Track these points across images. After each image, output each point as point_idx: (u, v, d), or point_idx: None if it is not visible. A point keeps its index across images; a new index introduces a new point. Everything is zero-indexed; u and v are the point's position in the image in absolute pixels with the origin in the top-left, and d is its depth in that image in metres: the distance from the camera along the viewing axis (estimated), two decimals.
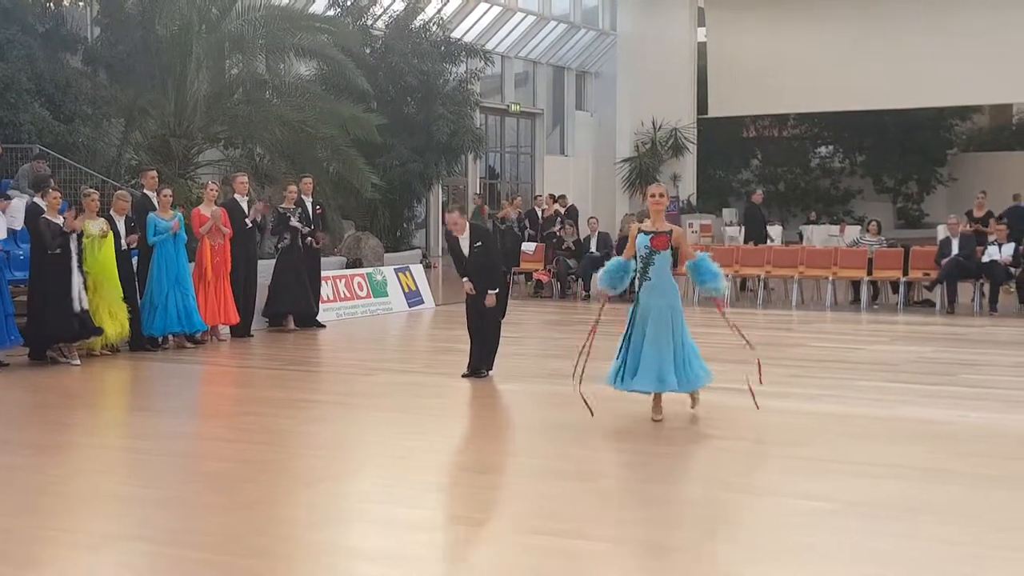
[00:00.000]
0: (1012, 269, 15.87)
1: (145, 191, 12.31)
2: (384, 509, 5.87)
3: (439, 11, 25.79)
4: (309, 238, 13.58)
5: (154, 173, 12.63)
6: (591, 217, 20.30)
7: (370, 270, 16.59)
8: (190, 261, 12.16)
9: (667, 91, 33.17)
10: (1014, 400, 9.02)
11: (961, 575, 4.82)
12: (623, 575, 4.84)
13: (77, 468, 6.97)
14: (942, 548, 5.16)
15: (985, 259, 15.99)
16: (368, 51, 22.47)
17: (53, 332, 10.69)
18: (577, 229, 19.69)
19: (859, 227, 23.49)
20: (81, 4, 18.83)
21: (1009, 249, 16.04)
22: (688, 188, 33.83)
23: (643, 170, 33.76)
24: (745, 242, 19.88)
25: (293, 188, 13.60)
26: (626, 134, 34.21)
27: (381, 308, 15.94)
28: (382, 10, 24.77)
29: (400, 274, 16.86)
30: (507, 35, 31.73)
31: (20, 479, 6.56)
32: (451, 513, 5.83)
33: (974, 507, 5.86)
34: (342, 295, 15.35)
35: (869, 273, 16.96)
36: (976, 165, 36.86)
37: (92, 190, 11.69)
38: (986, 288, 15.99)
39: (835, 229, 29.51)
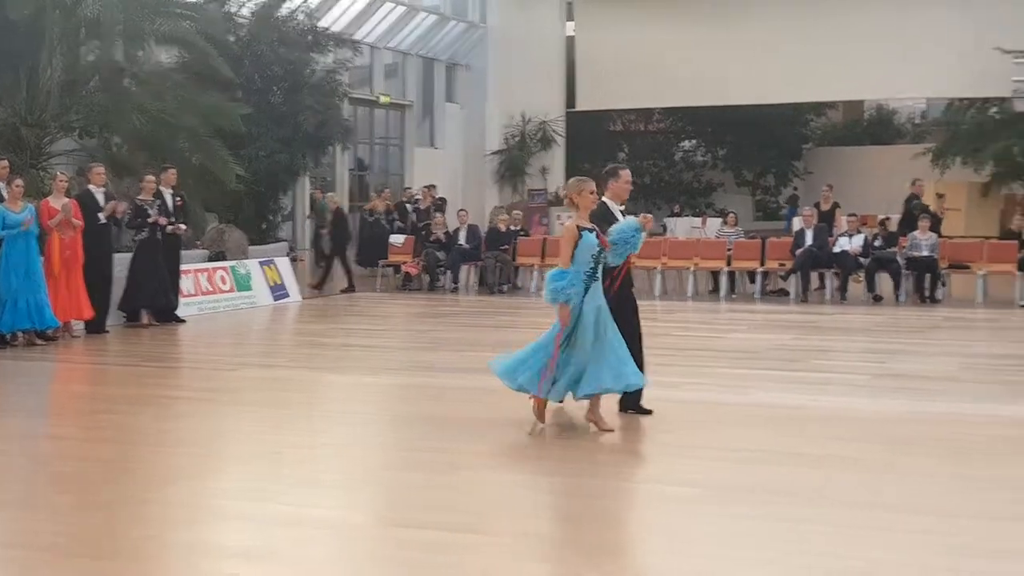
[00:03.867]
0: (861, 259, 16.55)
1: None
2: (249, 506, 5.78)
3: (306, 0, 25.41)
4: (171, 227, 13.22)
5: (5, 163, 12.11)
6: (461, 209, 20.33)
7: (233, 263, 16.26)
8: (40, 255, 11.69)
9: (536, 84, 33.43)
10: (861, 385, 9.39)
11: (815, 552, 4.99)
12: (492, 565, 4.86)
13: None
14: (799, 528, 5.34)
15: (836, 249, 16.65)
16: (233, 39, 21.96)
17: None
18: (446, 221, 19.69)
19: (720, 219, 24.09)
20: None
21: (859, 240, 16.73)
22: (556, 181, 34.14)
23: (513, 163, 33.96)
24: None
25: (151, 179, 13.22)
26: (496, 127, 34.33)
27: (245, 302, 15.66)
28: None
29: (265, 267, 16.57)
30: (376, 25, 31.45)
31: None
32: (318, 508, 5.75)
33: (822, 488, 6.08)
34: (204, 289, 15.00)
35: (728, 264, 17.45)
36: (830, 159, 38.26)
37: None
38: (837, 277, 16.66)
39: (698, 221, 30.31)
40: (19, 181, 11.69)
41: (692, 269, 17.59)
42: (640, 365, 7.62)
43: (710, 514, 5.59)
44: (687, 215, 32.95)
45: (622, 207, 7.96)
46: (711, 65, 31.76)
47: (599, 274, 7.34)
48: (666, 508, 5.80)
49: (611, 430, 7.36)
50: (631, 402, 7.88)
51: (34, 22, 15.80)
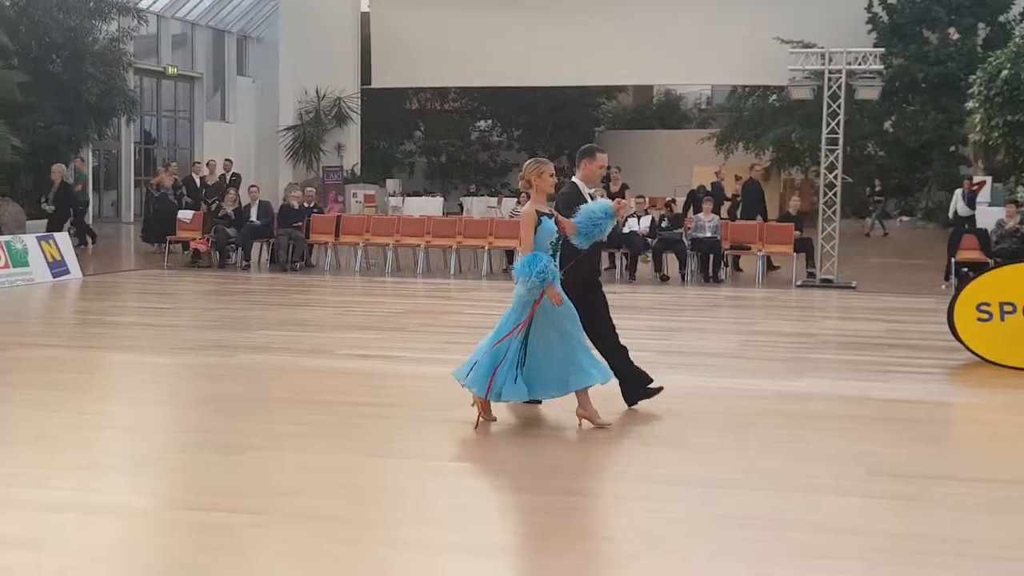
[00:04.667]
0: (649, 240, 17.14)
1: None
2: (21, 492, 5.57)
3: None
4: None
5: None
6: (252, 185, 19.97)
7: (9, 238, 15.47)
8: None
9: (331, 60, 33.07)
10: (646, 361, 9.37)
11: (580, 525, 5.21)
12: (274, 547, 4.89)
13: None
14: (562, 501, 5.55)
15: (625, 230, 17.15)
16: (8, 3, 20.84)
17: None
18: (239, 197, 19.30)
19: (516, 199, 24.55)
20: None
21: (647, 221, 17.32)
22: (352, 158, 33.92)
23: (307, 139, 33.55)
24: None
25: None
26: (290, 102, 33.81)
27: (22, 279, 14.94)
28: None
29: (43, 243, 15.83)
30: None
31: None
32: (96, 493, 5.60)
33: (588, 462, 6.34)
34: None
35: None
36: (621, 141, 39.39)
37: None
38: (626, 258, 17.20)
39: (494, 201, 30.73)
40: None
41: (487, 248, 17.85)
42: (616, 359, 7.34)
43: (475, 488, 5.70)
44: (483, 195, 33.34)
45: (592, 190, 7.49)
46: (506, 46, 32.24)
47: (557, 261, 6.91)
48: (437, 482, 5.93)
49: (607, 424, 6.98)
50: (631, 394, 7.50)
51: None
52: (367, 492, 5.78)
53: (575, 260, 7.12)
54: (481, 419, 7.00)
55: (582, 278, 7.28)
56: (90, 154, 27.53)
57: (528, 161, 7.23)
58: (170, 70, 31.48)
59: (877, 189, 29.56)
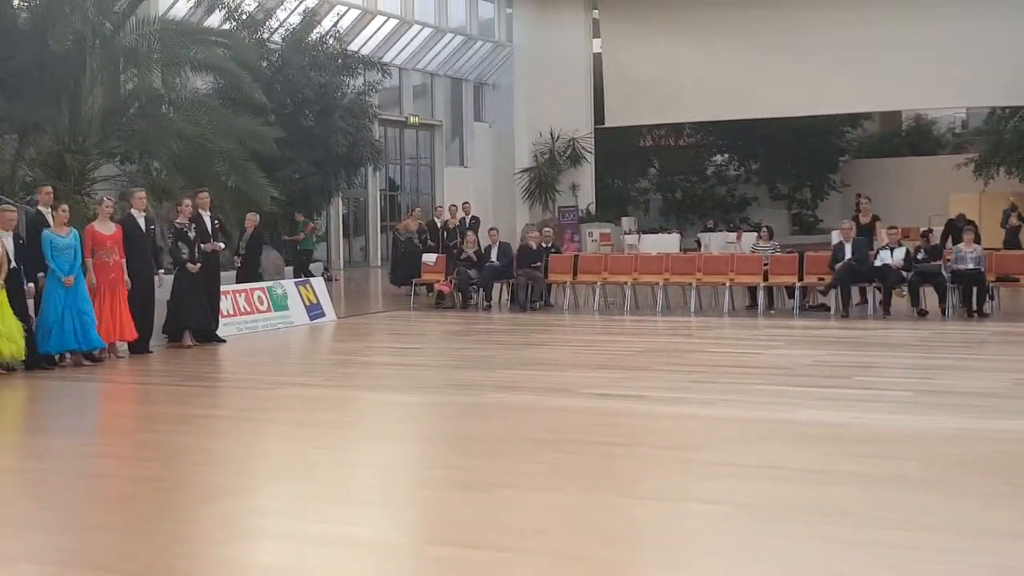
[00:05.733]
0: (904, 272, 16.21)
1: (39, 207, 12.04)
2: (287, 524, 5.83)
3: (336, 24, 25.73)
4: (209, 247, 13.40)
5: (49, 189, 12.37)
6: (491, 228, 20.43)
7: (271, 284, 16.45)
8: (85, 278, 11.90)
9: (564, 102, 33.56)
10: (905, 401, 9.19)
11: (850, 574, 4.94)
12: None
13: None
14: (837, 549, 5.25)
15: (878, 263, 16.34)
16: (265, 64, 22.32)
17: None
18: (478, 240, 19.80)
19: (756, 233, 24.13)
20: None
21: (901, 253, 16.34)
22: (587, 197, 34.22)
23: (542, 180, 34.09)
24: None
25: (188, 203, 13.43)
26: (525, 144, 34.49)
27: (282, 322, 15.83)
28: (278, 23, 24.63)
29: (301, 287, 16.75)
30: (404, 47, 31.78)
31: None
32: (355, 527, 5.80)
33: (866, 507, 5.97)
34: (242, 309, 15.19)
35: (765, 279, 17.26)
36: (868, 170, 38.05)
37: None
38: (880, 292, 16.36)
39: (732, 236, 30.23)
40: (64, 207, 11.92)
41: (728, 285, 17.51)
42: None
43: (739, 533, 5.53)
44: (721, 230, 32.88)
45: None
46: (741, 78, 31.71)
47: None
48: (693, 525, 5.78)
49: None
50: None
51: (75, 53, 16.15)
52: (617, 532, 5.71)
53: None
54: None
55: None
56: (340, 202, 29.00)
57: None
58: (412, 119, 32.77)
59: None
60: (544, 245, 18.97)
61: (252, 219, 18.50)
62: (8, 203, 12.48)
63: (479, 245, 19.36)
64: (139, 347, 12.59)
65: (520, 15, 35.22)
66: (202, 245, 13.35)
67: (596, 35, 34.95)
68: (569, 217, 32.66)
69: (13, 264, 11.10)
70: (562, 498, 6.29)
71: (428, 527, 5.94)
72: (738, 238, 28.86)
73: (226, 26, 22.59)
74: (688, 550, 5.37)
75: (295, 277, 19.08)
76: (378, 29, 29.97)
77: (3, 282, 10.86)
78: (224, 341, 13.81)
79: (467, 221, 22.36)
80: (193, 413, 9.30)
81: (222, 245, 14.13)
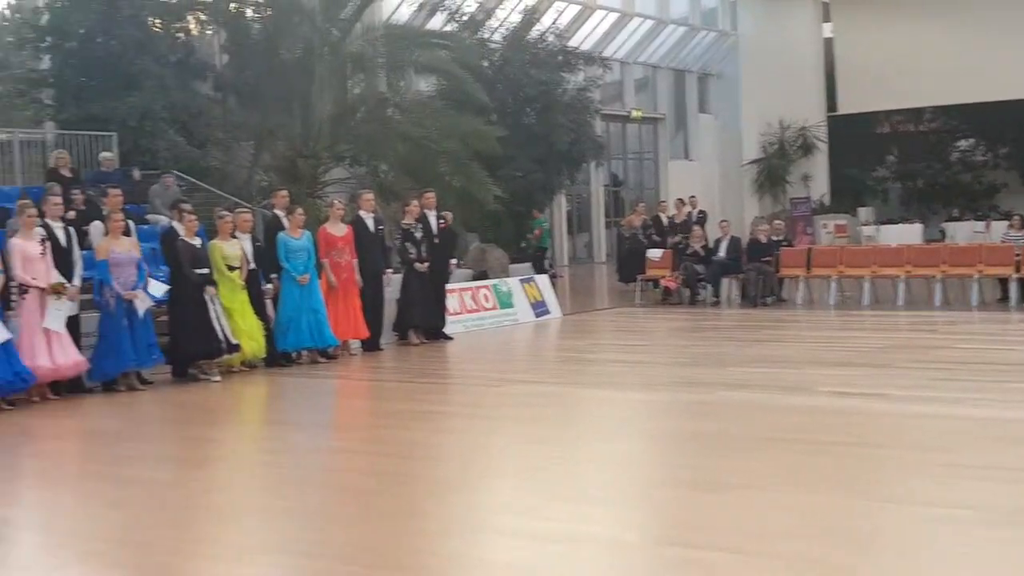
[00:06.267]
0: None
1: (275, 211, 12.52)
2: (516, 520, 5.80)
3: (555, 21, 25.81)
4: (420, 265, 13.45)
5: (285, 193, 12.84)
6: (722, 220, 19.91)
7: (495, 282, 16.59)
8: (319, 278, 12.31)
9: (793, 90, 32.56)
10: None
11: None
12: None
13: (217, 482, 7.09)
14: None
15: None
16: (486, 64, 22.59)
17: (194, 350, 10.97)
18: (706, 234, 19.35)
19: (1006, 222, 22.57)
20: (209, 33, 19.41)
21: None
22: (820, 188, 33.09)
23: (771, 171, 33.20)
24: None
25: (415, 203, 13.65)
26: (752, 135, 33.70)
27: (507, 319, 15.92)
28: (499, 23, 24.90)
29: (526, 285, 16.81)
30: (625, 41, 31.58)
31: (162, 493, 6.70)
32: (587, 525, 5.70)
33: None
34: (468, 307, 15.37)
35: (1018, 270, 16.08)
36: None
37: (225, 212, 11.98)
38: None
39: (981, 225, 28.42)
40: (300, 210, 12.36)
41: (976, 277, 16.43)
42: None
43: (982, 538, 5.15)
44: (968, 219, 31.00)
45: None
46: (987, 57, 29.85)
47: None
48: (938, 531, 5.37)
49: None
50: None
51: (305, 61, 16.83)
52: (858, 537, 5.34)
53: None
54: None
55: None
56: (563, 199, 29.09)
57: None
58: (634, 113, 32.54)
59: None
60: (775, 238, 18.36)
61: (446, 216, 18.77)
62: (245, 207, 13.04)
63: (706, 239, 18.93)
64: (371, 345, 12.93)
65: (746, 2, 34.40)
66: (420, 268, 13.38)
67: (826, 19, 33.71)
68: (801, 209, 31.62)
69: (252, 266, 11.58)
70: (799, 500, 6.00)
71: (660, 526, 5.78)
72: (987, 227, 27.11)
73: (448, 28, 23.00)
74: (932, 558, 5.00)
75: (535, 273, 19.08)
76: (598, 23, 29.90)
77: (243, 283, 11.35)
78: (451, 338, 14.00)
79: (693, 215, 21.94)
80: (423, 409, 9.42)
81: (427, 263, 13.84)
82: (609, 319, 17.04)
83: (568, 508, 6.02)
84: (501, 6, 25.58)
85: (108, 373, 10.45)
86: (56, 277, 9.97)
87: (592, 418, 9.15)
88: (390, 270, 13.45)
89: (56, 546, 5.76)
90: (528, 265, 21.05)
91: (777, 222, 19.75)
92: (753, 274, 17.53)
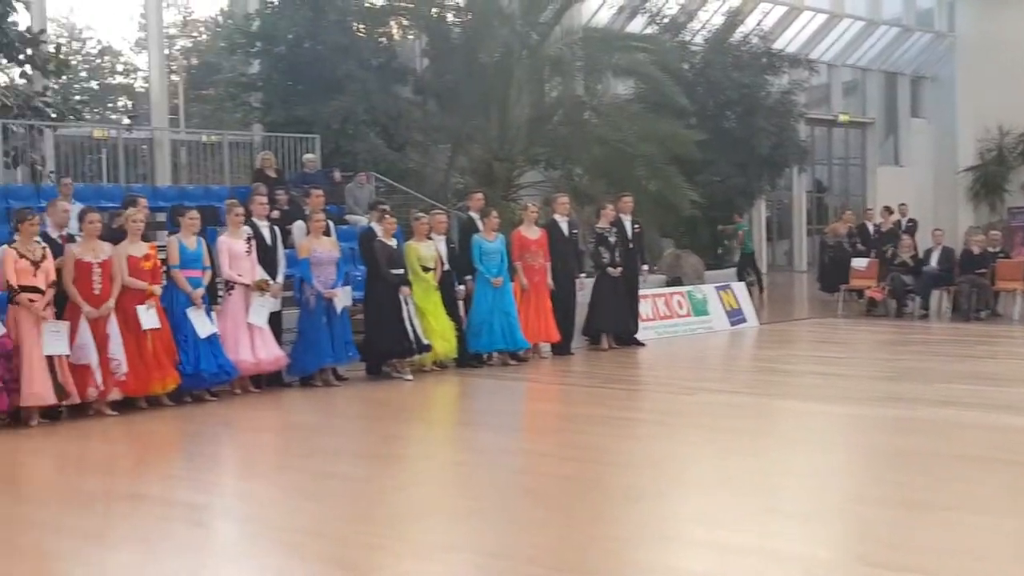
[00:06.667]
0: None
1: (471, 213, 12.63)
2: (705, 531, 5.63)
3: (760, 22, 25.20)
4: (614, 270, 13.27)
5: (480, 195, 12.92)
6: (936, 229, 18.91)
7: (690, 288, 16.27)
8: (511, 281, 12.32)
9: (1014, 93, 30.76)
10: None
11: None
12: None
13: (408, 479, 7.16)
14: None
15: None
16: (686, 67, 22.25)
17: (387, 349, 11.18)
18: (915, 244, 18.42)
19: None
20: (411, 38, 19.86)
21: None
22: None
23: (988, 179, 31.54)
24: None
25: (610, 207, 13.50)
26: (968, 141, 32.08)
27: (702, 327, 15.57)
28: (700, 25, 24.48)
29: (721, 292, 16.41)
30: (833, 43, 30.57)
31: (355, 488, 6.82)
32: (779, 539, 5.47)
33: None
34: (662, 313, 15.12)
35: None
36: None
37: (422, 214, 12.16)
38: None
39: None
40: (495, 213, 12.42)
41: None
42: None
43: None
44: None
45: None
46: None
47: None
48: None
49: None
50: None
51: (503, 64, 16.96)
52: None
53: None
54: None
55: None
56: (763, 205, 28.37)
57: None
58: (842, 117, 31.46)
59: None
60: (990, 249, 17.32)
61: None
62: (441, 209, 13.20)
63: (916, 249, 18.02)
64: (561, 348, 12.86)
65: (964, 2, 32.75)
66: (613, 273, 13.18)
67: None
68: (1020, 219, 29.81)
69: (446, 267, 11.71)
70: (1008, 524, 5.61)
71: (858, 544, 5.49)
72: None
73: (648, 30, 22.75)
74: None
75: (738, 280, 18.58)
76: (805, 25, 29.04)
77: (437, 284, 11.48)
78: (643, 344, 13.79)
79: (903, 224, 20.95)
80: (612, 415, 9.29)
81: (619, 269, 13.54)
82: (808, 329, 16.46)
83: (761, 521, 5.81)
84: (704, 8, 25.17)
85: (306, 368, 10.77)
86: (260, 274, 10.36)
87: (787, 430, 8.81)
88: (583, 274, 13.36)
89: (253, 535, 5.92)
90: (731, 271, 20.54)
91: (993, 232, 18.63)
92: (966, 286, 16.58)
